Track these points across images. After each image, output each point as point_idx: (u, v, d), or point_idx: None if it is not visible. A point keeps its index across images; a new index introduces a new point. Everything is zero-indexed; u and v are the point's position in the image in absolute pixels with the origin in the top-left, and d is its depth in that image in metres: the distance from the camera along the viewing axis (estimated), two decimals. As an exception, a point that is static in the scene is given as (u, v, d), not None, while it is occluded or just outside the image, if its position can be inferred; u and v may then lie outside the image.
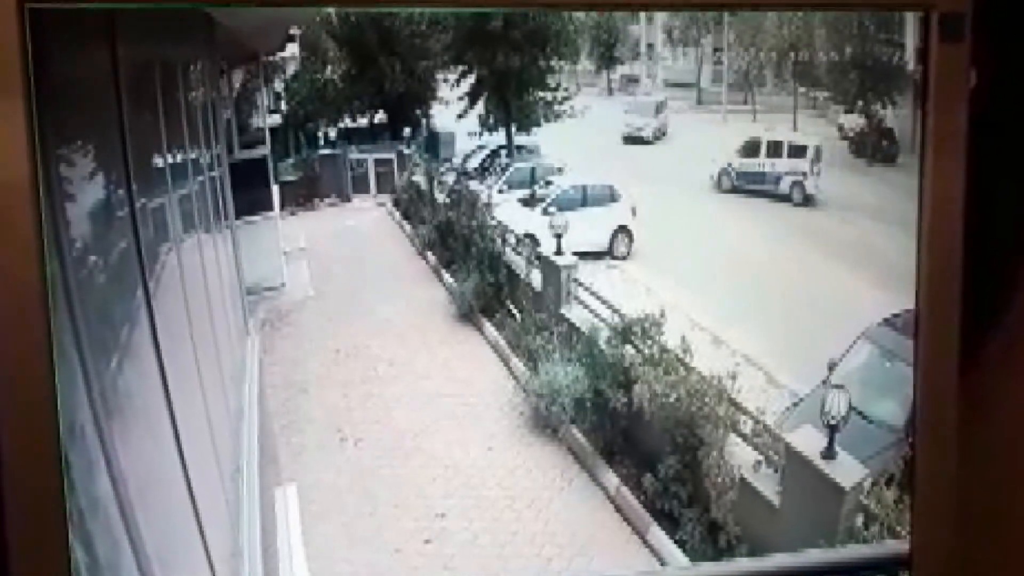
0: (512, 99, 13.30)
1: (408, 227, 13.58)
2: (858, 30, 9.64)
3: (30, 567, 2.29)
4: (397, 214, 14.38)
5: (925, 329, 2.74)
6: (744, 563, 6.42)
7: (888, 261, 7.65)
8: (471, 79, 13.63)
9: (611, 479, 7.36)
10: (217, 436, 5.51)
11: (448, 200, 12.84)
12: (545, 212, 11.63)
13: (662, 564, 6.75)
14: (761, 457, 6.81)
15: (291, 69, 15.27)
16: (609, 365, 7.69)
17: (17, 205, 2.23)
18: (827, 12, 8.81)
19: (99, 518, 2.66)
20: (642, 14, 12.41)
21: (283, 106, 15.28)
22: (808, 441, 6.47)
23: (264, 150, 11.68)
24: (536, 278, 9.82)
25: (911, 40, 9.11)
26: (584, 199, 12.32)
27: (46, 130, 2.31)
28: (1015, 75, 2.71)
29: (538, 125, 13.77)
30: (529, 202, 12.69)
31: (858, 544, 5.99)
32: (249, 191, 10.39)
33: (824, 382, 7.37)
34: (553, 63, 13.37)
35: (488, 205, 11.73)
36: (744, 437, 7.01)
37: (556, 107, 13.72)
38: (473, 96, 13.82)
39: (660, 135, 10.11)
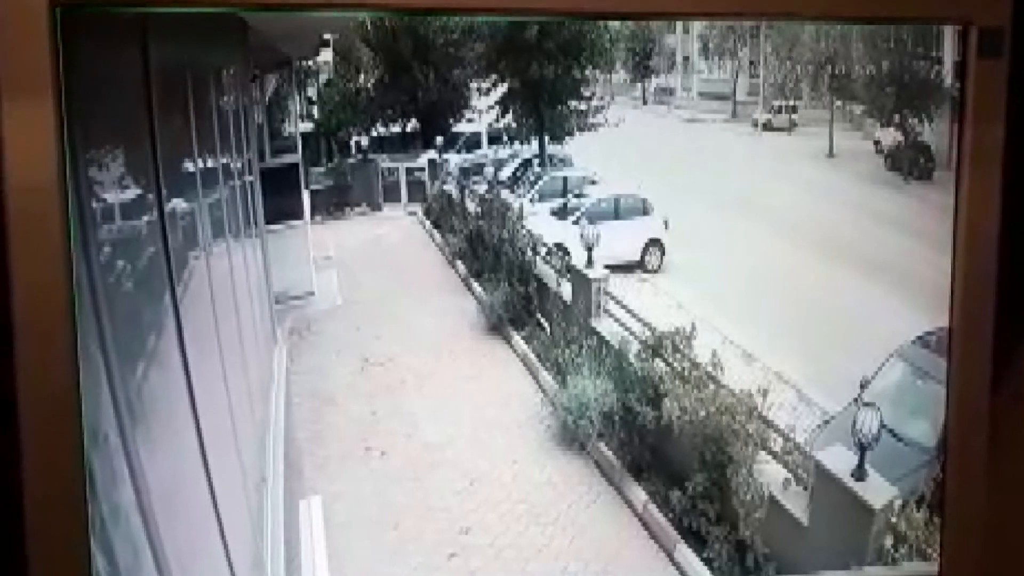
0: (545, 109, 13.28)
1: (438, 236, 13.57)
2: (896, 44, 9.53)
3: (51, 574, 2.28)
4: (427, 223, 14.38)
5: (958, 348, 2.71)
6: (772, 583, 6.35)
7: (922, 278, 7.54)
8: (503, 88, 13.63)
9: (638, 495, 7.27)
10: (242, 446, 5.49)
11: (479, 210, 12.82)
12: (576, 223, 11.59)
13: (689, 583, 6.68)
14: (790, 475, 6.71)
15: (324, 76, 15.31)
16: (638, 380, 7.61)
17: (45, 208, 2.23)
18: (864, 26, 8.72)
19: (121, 527, 2.64)
20: (678, 25, 12.38)
21: (315, 113, 15.33)
22: (838, 460, 6.38)
23: (296, 157, 11.70)
24: (566, 290, 9.79)
25: (949, 55, 9.00)
26: (616, 211, 12.26)
27: (75, 133, 2.31)
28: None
29: (571, 135, 13.75)
30: (560, 213, 12.66)
31: (887, 565, 5.91)
32: (280, 198, 10.40)
33: (855, 400, 7.28)
34: (587, 73, 13.35)
35: (519, 216, 11.70)
36: (774, 455, 6.92)
37: (590, 118, 13.70)
38: (505, 106, 13.81)
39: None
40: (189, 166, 4.93)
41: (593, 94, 14.17)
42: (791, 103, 13.67)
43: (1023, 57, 2.72)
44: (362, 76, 15.80)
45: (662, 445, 7.44)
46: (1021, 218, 2.77)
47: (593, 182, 13.48)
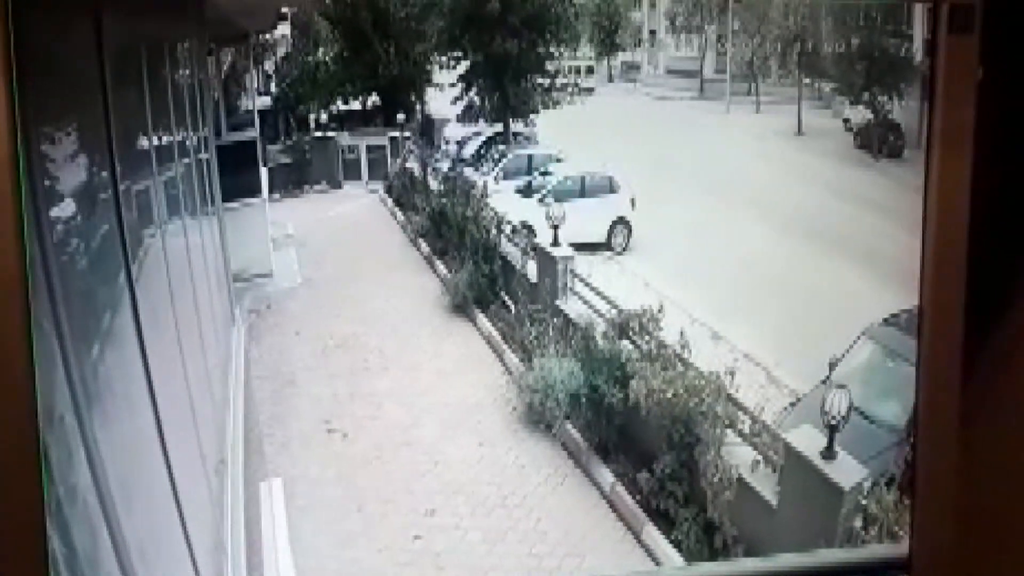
0: (509, 85, 13.24)
1: (400, 215, 13.51)
2: (865, 21, 9.55)
3: (5, 557, 2.19)
4: (389, 201, 14.32)
5: (928, 328, 2.67)
6: (740, 564, 6.32)
7: (892, 258, 7.56)
8: (466, 64, 13.57)
9: (606, 476, 7.23)
10: (201, 427, 5.40)
11: (442, 188, 12.76)
12: (542, 202, 11.54)
13: (657, 564, 6.64)
14: (759, 456, 6.68)
15: (282, 50, 15.15)
16: (605, 360, 7.55)
17: None
18: (834, 1, 8.71)
19: (78, 508, 2.56)
20: (644, 0, 12.38)
21: (273, 88, 15.18)
22: (808, 441, 6.35)
23: (253, 133, 11.58)
24: (532, 270, 9.71)
25: (919, 32, 9.02)
26: (582, 190, 12.26)
27: (28, 108, 2.19)
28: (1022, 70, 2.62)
29: (535, 112, 13.73)
30: (526, 191, 12.62)
31: (857, 546, 5.89)
32: (237, 175, 10.28)
33: (825, 381, 7.27)
34: (552, 49, 13.32)
35: (483, 194, 11.63)
36: (742, 436, 6.89)
37: (554, 94, 13.68)
38: (469, 82, 13.76)
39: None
40: (144, 142, 4.84)
41: (558, 70, 14.20)
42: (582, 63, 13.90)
43: (993, 33, 2.65)
44: (321, 50, 15.71)
45: (630, 426, 7.40)
46: (991, 196, 2.70)
47: (559, 159, 13.47)
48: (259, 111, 12.59)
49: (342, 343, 9.47)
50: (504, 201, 11.67)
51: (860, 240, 9.03)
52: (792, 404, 7.65)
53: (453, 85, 13.88)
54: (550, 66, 13.28)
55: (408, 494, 7.07)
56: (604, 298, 8.46)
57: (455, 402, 8.25)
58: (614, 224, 11.81)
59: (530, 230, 10.60)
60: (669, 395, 6.91)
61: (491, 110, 13.56)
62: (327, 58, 15.12)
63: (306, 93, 14.83)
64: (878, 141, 10.07)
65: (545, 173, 12.67)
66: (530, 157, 13.30)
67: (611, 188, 12.09)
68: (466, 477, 7.27)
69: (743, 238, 10.04)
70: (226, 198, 9.47)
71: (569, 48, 13.45)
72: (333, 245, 12.37)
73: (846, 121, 10.71)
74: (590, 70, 14.25)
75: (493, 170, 13.15)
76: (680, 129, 12.26)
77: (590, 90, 14.04)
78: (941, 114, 2.56)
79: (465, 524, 6.86)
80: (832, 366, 7.46)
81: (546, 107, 13.47)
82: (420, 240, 12.20)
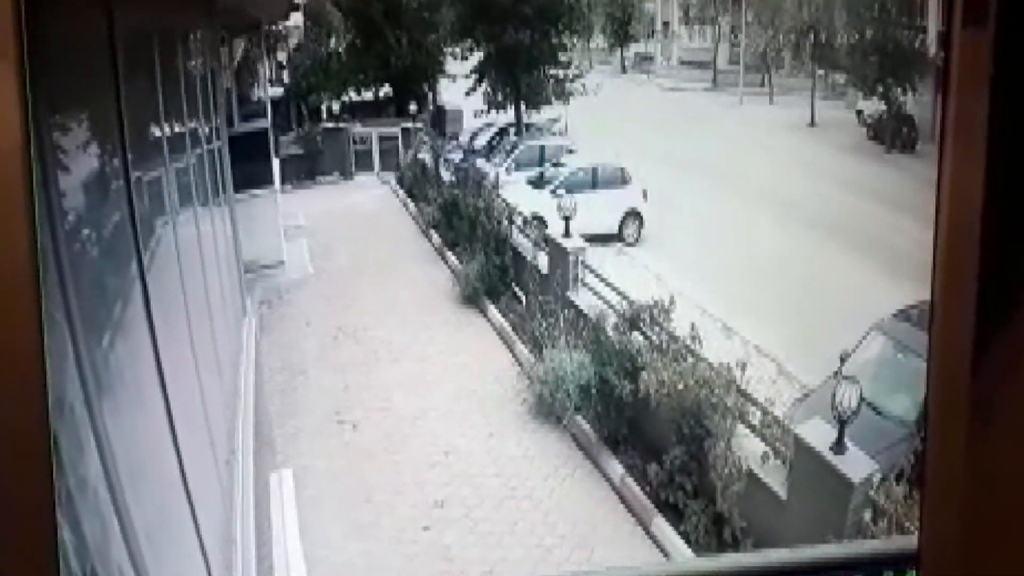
0: (521, 76, 13.22)
1: (412, 206, 13.50)
2: (879, 13, 9.48)
3: (15, 547, 2.18)
4: (401, 192, 14.31)
5: (939, 322, 2.64)
6: (749, 557, 6.28)
7: (904, 251, 7.52)
8: (479, 54, 13.56)
9: (615, 469, 7.22)
10: (212, 418, 5.39)
11: (454, 179, 12.74)
12: (554, 193, 11.52)
13: (666, 557, 6.63)
14: (769, 449, 6.65)
15: (294, 40, 15.15)
16: (616, 352, 7.52)
17: (7, 174, 2.11)
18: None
19: (88, 499, 2.54)
20: (658, -9, 12.34)
21: (285, 78, 15.17)
22: (817, 434, 6.30)
23: (265, 123, 11.57)
24: (543, 261, 9.72)
25: (933, 25, 8.96)
26: (594, 181, 12.24)
27: (39, 97, 2.18)
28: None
29: (548, 103, 13.70)
30: (537, 183, 12.60)
31: (866, 539, 5.86)
32: (249, 165, 10.26)
33: (835, 374, 7.23)
34: (565, 40, 13.29)
35: (495, 185, 11.61)
36: (752, 428, 6.85)
37: (567, 85, 13.65)
38: (481, 72, 13.73)
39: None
40: (156, 132, 4.82)
41: (570, 61, 14.15)
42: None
43: (1008, 27, 2.62)
44: (333, 40, 15.71)
45: (639, 418, 7.38)
46: (1005, 190, 2.67)
47: (571, 151, 13.45)
48: (271, 101, 12.57)
49: (352, 334, 9.47)
50: (515, 192, 11.67)
51: (872, 233, 8.98)
52: (803, 397, 7.62)
53: (467, 77, 13.86)
54: (563, 57, 13.27)
55: (417, 485, 7.05)
56: (615, 290, 8.44)
57: (465, 393, 8.25)
58: (626, 216, 11.80)
59: (541, 221, 10.59)
60: (679, 387, 6.87)
61: (503, 100, 13.55)
62: (339, 48, 15.12)
63: (318, 83, 14.84)
64: (891, 134, 10.00)
65: (557, 164, 12.66)
66: (542, 148, 13.30)
67: (623, 180, 12.07)
68: (475, 468, 7.25)
69: (755, 230, 10.01)
70: (238, 188, 9.46)
71: (582, 39, 13.42)
72: (344, 236, 12.37)
73: (859, 113, 10.65)
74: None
75: (505, 161, 13.15)
76: (693, 120, 12.21)
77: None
78: (955, 107, 2.53)
79: (474, 515, 6.83)
80: (843, 359, 7.42)
81: (558, 98, 13.47)
82: (431, 231, 12.20)
